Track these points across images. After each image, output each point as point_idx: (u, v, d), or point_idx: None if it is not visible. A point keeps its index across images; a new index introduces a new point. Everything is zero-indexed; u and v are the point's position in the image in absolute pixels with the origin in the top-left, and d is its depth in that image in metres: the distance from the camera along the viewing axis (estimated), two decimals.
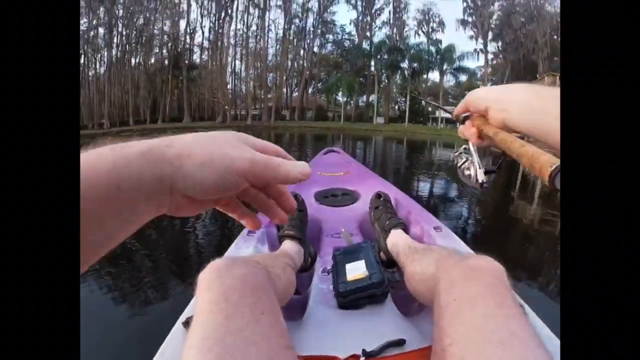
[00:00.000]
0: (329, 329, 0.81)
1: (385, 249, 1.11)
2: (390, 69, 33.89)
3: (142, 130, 28.35)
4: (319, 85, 39.36)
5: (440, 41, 34.99)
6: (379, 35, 37.29)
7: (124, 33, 34.59)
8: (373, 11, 37.30)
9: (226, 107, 35.19)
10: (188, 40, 37.38)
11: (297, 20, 37.63)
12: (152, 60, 36.65)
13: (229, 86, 37.69)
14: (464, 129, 0.60)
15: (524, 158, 0.37)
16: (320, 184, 1.90)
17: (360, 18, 37.50)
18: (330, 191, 1.79)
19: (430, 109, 37.28)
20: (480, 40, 33.67)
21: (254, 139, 0.34)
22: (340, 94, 36.56)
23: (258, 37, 37.29)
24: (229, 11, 36.49)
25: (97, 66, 34.11)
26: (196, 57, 38.57)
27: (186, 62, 36.24)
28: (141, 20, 35.15)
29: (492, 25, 33.41)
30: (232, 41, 37.69)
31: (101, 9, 32.46)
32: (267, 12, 36.77)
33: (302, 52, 38.48)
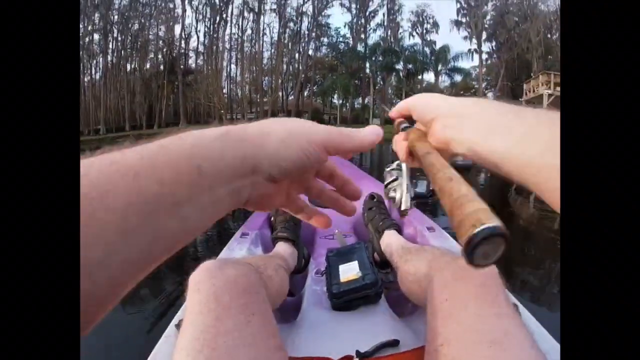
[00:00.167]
0: (323, 331, 0.81)
1: (378, 250, 1.11)
2: (385, 70, 33.97)
3: (139, 135, 28.33)
4: (314, 88, 39.39)
5: (435, 42, 35.15)
6: (373, 38, 37.40)
7: (119, 39, 34.54)
8: (367, 14, 37.40)
9: (222, 111, 35.15)
10: (183, 45, 37.37)
11: (291, 24, 37.70)
12: (148, 66, 36.59)
13: (224, 90, 37.70)
14: (396, 140, 0.48)
15: (446, 198, 0.27)
16: None
17: (355, 20, 37.59)
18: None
19: None
20: (474, 41, 33.81)
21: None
22: (335, 96, 36.66)
23: (253, 41, 37.34)
24: (224, 16, 36.53)
25: (93, 72, 34.02)
26: (192, 62, 38.55)
27: (182, 66, 36.18)
28: (136, 26, 35.13)
29: (486, 26, 33.57)
30: (227, 45, 37.70)
31: (96, 14, 32.43)
32: (262, 16, 36.89)
33: (297, 55, 38.53)
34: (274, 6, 36.84)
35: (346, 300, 0.88)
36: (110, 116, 33.67)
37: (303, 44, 38.00)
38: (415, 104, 0.45)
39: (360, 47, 36.57)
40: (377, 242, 1.13)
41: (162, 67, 36.16)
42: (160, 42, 36.64)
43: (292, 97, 38.53)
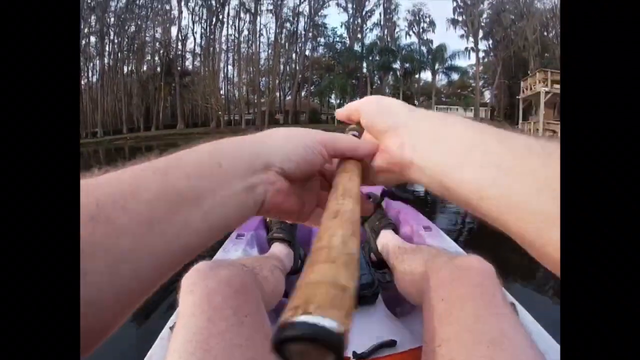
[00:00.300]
0: None
1: (375, 250, 1.10)
2: (382, 70, 34.04)
3: (136, 137, 28.26)
4: (311, 88, 39.41)
5: (431, 41, 35.16)
6: (370, 37, 37.43)
7: (116, 41, 34.49)
8: (364, 13, 37.41)
9: (219, 112, 35.13)
10: (180, 46, 37.36)
11: (288, 24, 37.72)
12: (145, 68, 36.55)
13: (222, 91, 37.63)
14: None
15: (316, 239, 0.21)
16: None
17: (351, 20, 37.62)
18: None
19: (423, 108, 37.34)
20: (471, 39, 33.85)
21: None
22: (333, 96, 36.70)
23: (250, 41, 37.32)
24: (220, 17, 36.51)
25: (90, 75, 33.97)
26: (188, 64, 38.54)
27: (178, 68, 36.14)
28: (132, 28, 35.08)
29: (482, 24, 33.62)
30: (224, 47, 37.67)
31: (92, 17, 32.37)
32: (258, 17, 36.87)
33: (294, 55, 38.50)
34: (270, 7, 36.87)
35: None
36: (107, 119, 33.62)
37: (300, 44, 38.03)
38: (367, 108, 0.37)
39: (357, 47, 36.60)
40: (374, 242, 1.13)
41: (159, 69, 36.13)
42: (157, 44, 36.61)
43: (290, 97, 38.53)
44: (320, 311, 0.14)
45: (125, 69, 35.63)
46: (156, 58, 36.77)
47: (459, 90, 39.16)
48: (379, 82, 35.88)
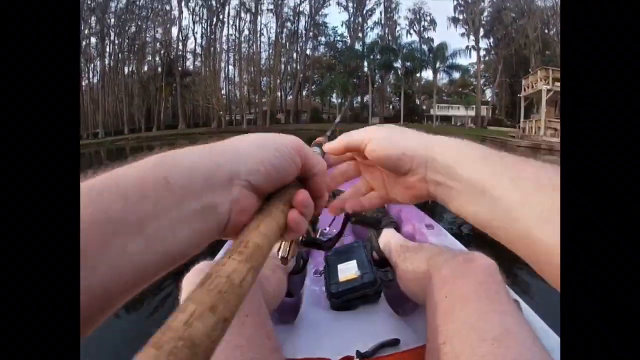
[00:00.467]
0: (323, 331, 0.81)
1: (377, 249, 1.10)
2: (383, 68, 33.97)
3: (138, 138, 28.30)
4: (313, 87, 39.42)
5: (432, 39, 35.12)
6: (371, 36, 37.45)
7: (116, 42, 34.57)
8: (364, 12, 37.40)
9: (221, 112, 35.16)
10: (180, 47, 37.41)
11: (289, 24, 37.74)
12: (145, 68, 36.64)
13: (223, 91, 37.68)
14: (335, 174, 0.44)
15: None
16: None
17: (352, 19, 37.60)
18: None
19: (424, 107, 37.40)
20: (472, 37, 33.82)
21: None
22: (334, 95, 36.68)
23: (250, 41, 37.36)
24: (221, 17, 36.54)
25: (90, 76, 34.05)
26: (189, 64, 38.62)
27: (179, 68, 36.20)
28: (133, 29, 35.13)
29: (483, 22, 33.57)
30: (224, 46, 37.74)
31: (92, 18, 32.42)
32: (259, 17, 36.89)
33: (295, 55, 38.54)
34: (271, 6, 36.88)
35: (345, 300, 0.87)
36: (108, 119, 33.72)
37: (301, 44, 38.06)
38: (375, 140, 0.37)
39: (358, 46, 36.59)
40: (376, 240, 1.12)
41: (159, 69, 36.22)
42: (158, 44, 36.69)
43: (291, 96, 38.56)
44: None
45: (126, 70, 35.76)
46: (157, 58, 36.89)
47: (460, 89, 39.12)
48: (380, 81, 35.86)
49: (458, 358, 0.49)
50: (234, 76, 38.71)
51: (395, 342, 0.72)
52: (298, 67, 37.80)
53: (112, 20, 34.09)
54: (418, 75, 35.88)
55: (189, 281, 0.58)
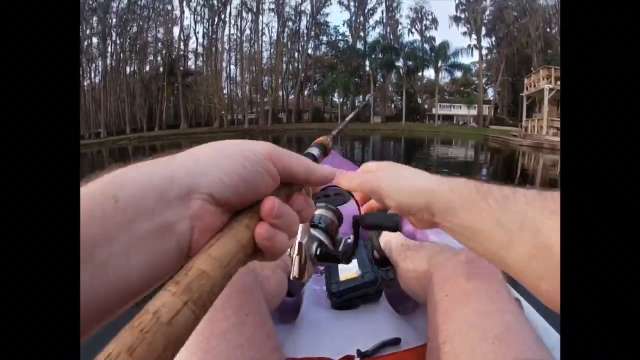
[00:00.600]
0: (323, 330, 0.81)
1: (378, 248, 1.09)
2: (385, 68, 33.99)
3: (139, 138, 28.34)
4: (314, 87, 39.44)
5: (434, 38, 35.15)
6: (372, 35, 37.49)
7: (118, 42, 34.61)
8: (366, 11, 37.41)
9: (223, 112, 35.19)
10: (182, 46, 37.49)
11: (290, 23, 37.75)
12: (147, 68, 36.69)
13: (224, 91, 37.73)
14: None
15: None
16: None
17: (354, 18, 37.61)
18: (323, 191, 1.77)
19: (426, 106, 37.38)
20: (474, 36, 33.78)
21: None
22: (336, 94, 36.67)
23: (252, 41, 37.35)
24: (222, 16, 36.56)
25: (92, 76, 34.09)
26: (191, 64, 38.72)
27: (181, 68, 36.27)
28: (134, 29, 35.19)
29: (485, 21, 33.52)
30: (226, 46, 37.75)
31: (94, 18, 32.46)
32: (261, 16, 36.89)
33: (296, 54, 38.60)
34: (272, 6, 36.90)
35: (346, 299, 0.87)
36: (110, 119, 33.75)
37: (302, 43, 38.07)
38: (390, 190, 0.43)
39: (359, 45, 36.63)
40: (376, 239, 1.12)
41: (161, 69, 36.27)
42: (159, 44, 36.76)
43: (293, 96, 38.59)
44: None
45: (128, 70, 35.83)
46: (158, 58, 36.95)
47: (462, 88, 39.07)
48: (381, 80, 35.85)
49: (459, 357, 0.49)
50: (236, 76, 38.82)
51: (396, 341, 0.72)
52: (300, 67, 37.84)
53: (114, 20, 34.13)
54: (420, 74, 35.92)
55: None
